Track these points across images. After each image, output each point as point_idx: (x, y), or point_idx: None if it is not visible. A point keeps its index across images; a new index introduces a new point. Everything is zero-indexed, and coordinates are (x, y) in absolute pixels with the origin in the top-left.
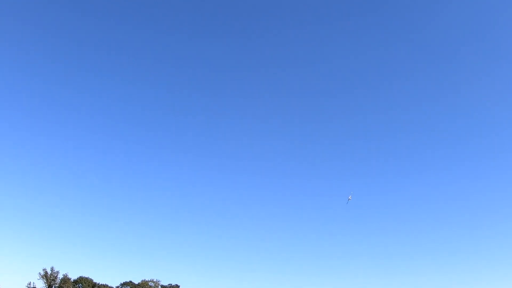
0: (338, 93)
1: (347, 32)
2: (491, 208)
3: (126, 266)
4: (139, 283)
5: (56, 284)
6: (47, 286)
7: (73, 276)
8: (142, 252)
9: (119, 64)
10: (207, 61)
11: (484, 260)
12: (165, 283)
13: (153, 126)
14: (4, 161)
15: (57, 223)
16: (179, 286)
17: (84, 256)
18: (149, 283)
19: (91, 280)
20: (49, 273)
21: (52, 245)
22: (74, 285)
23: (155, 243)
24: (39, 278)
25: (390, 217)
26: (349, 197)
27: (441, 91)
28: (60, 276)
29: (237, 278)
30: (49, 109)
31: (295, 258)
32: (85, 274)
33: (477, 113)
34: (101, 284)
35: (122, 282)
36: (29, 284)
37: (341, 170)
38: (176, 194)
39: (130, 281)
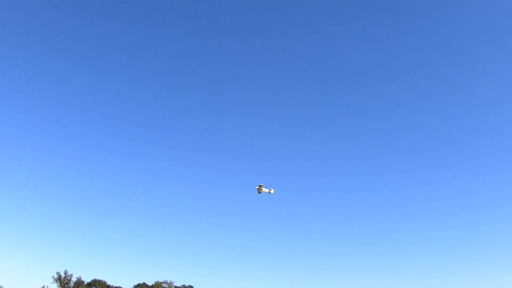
0: (339, 93)
1: (348, 32)
2: (493, 209)
3: (139, 267)
4: (152, 284)
5: (70, 287)
6: None
7: (86, 279)
8: (155, 253)
9: (119, 64)
10: (207, 61)
11: (485, 260)
12: (179, 284)
13: (158, 126)
14: (13, 163)
15: (70, 226)
16: (192, 287)
17: (98, 258)
18: (163, 284)
19: (105, 282)
20: (62, 276)
21: (65, 248)
22: None
23: (168, 244)
24: (52, 281)
25: (392, 217)
26: (263, 189)
27: (442, 91)
28: (74, 279)
29: (250, 278)
30: (49, 109)
31: (303, 258)
32: (99, 277)
33: (478, 113)
34: (115, 287)
35: (135, 284)
36: (43, 287)
37: (342, 170)
38: (188, 194)
39: (144, 283)
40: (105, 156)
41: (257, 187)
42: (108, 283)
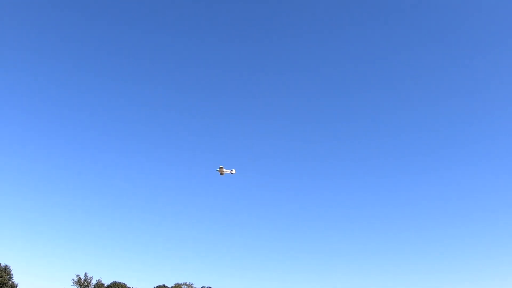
0: (340, 93)
1: (350, 33)
2: (493, 209)
3: (159, 269)
4: (172, 286)
5: None
6: None
7: (106, 281)
8: (175, 255)
9: (120, 64)
10: (208, 61)
11: (486, 259)
12: (199, 286)
13: (160, 126)
14: (20, 165)
15: (90, 229)
16: None
17: (117, 261)
18: (182, 286)
19: (125, 284)
20: (82, 279)
21: (85, 250)
22: None
23: (187, 246)
24: (72, 284)
25: (393, 217)
26: (224, 170)
27: (442, 92)
28: (94, 281)
29: (270, 279)
30: (50, 109)
31: (309, 257)
32: (119, 279)
33: (480, 114)
34: None
35: (155, 286)
36: None
37: (342, 170)
38: (203, 196)
39: (163, 285)
40: (121, 159)
41: (218, 169)
42: (127, 285)
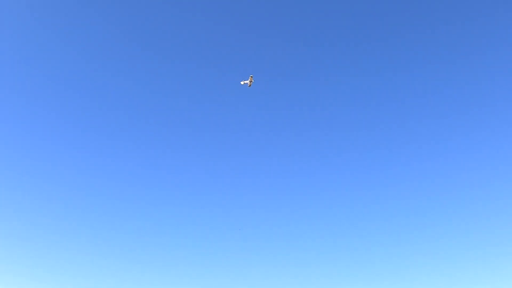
0: (340, 89)
1: (350, 30)
2: (493, 207)
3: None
4: None
5: None
6: None
7: None
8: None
9: (120, 63)
10: (209, 61)
11: (485, 259)
12: None
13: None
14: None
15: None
16: None
17: None
18: None
19: None
20: None
21: None
22: None
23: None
24: None
25: (393, 216)
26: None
27: (442, 89)
28: None
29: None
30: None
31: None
32: None
33: (481, 109)
34: None
35: None
36: None
37: (341, 167)
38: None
39: None
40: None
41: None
42: None
